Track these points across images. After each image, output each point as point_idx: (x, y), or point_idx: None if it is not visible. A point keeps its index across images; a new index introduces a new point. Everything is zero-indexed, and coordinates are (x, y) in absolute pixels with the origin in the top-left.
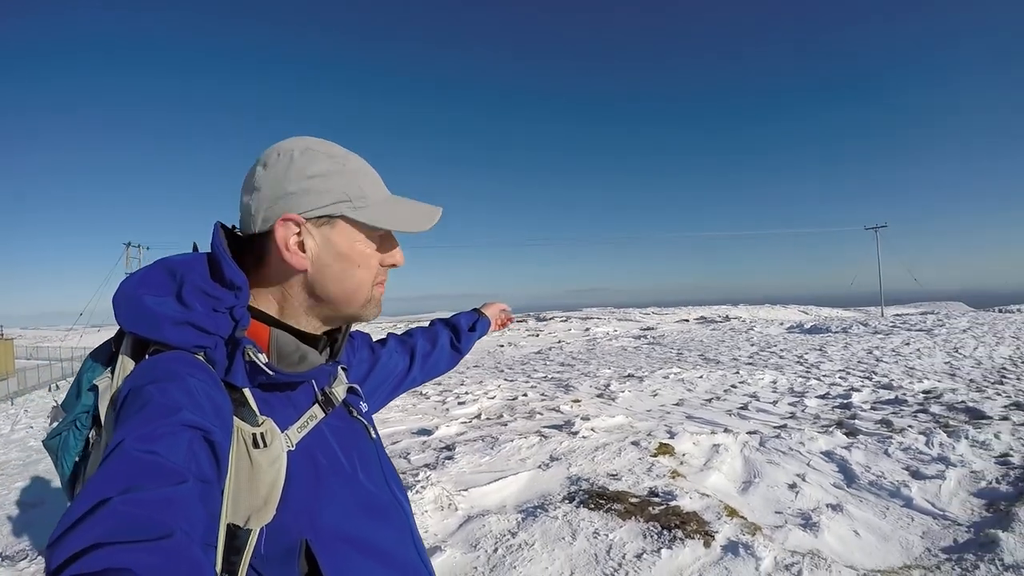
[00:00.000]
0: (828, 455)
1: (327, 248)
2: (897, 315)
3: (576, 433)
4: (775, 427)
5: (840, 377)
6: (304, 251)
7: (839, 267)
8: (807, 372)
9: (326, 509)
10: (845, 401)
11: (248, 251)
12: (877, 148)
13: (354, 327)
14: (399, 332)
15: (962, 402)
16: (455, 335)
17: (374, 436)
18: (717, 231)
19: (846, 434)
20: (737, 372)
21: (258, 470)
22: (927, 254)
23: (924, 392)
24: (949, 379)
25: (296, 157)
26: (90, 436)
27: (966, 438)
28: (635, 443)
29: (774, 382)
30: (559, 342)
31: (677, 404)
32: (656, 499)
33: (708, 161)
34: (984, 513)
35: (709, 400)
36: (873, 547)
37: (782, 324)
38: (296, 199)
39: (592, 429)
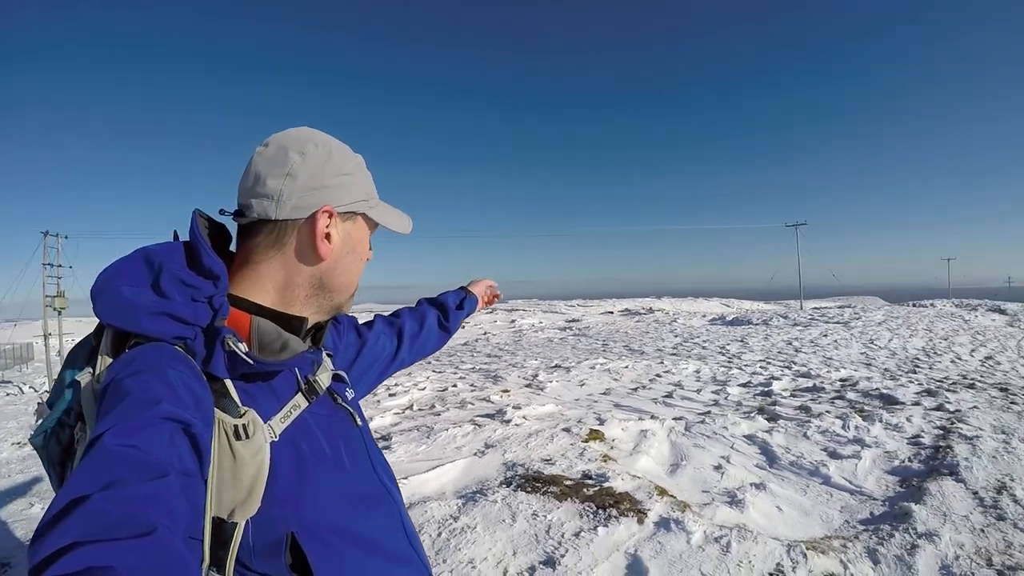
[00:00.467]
0: (750, 438)
1: (346, 241)
2: (816, 308)
3: (509, 421)
4: (699, 413)
5: (761, 367)
6: (329, 242)
7: (760, 262)
8: (729, 362)
9: (312, 500)
10: (766, 389)
11: (255, 238)
12: (799, 148)
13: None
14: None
15: (876, 389)
16: (443, 314)
17: (360, 424)
18: (642, 225)
19: (767, 419)
20: (661, 362)
21: (241, 462)
22: (845, 251)
23: (841, 380)
24: (865, 368)
25: (334, 152)
26: (75, 433)
27: (880, 421)
28: (566, 429)
29: (697, 371)
30: (485, 334)
31: (604, 393)
32: (590, 481)
33: (632, 156)
34: (898, 488)
35: (635, 389)
36: (795, 521)
37: (704, 316)
38: (332, 192)
39: (524, 417)
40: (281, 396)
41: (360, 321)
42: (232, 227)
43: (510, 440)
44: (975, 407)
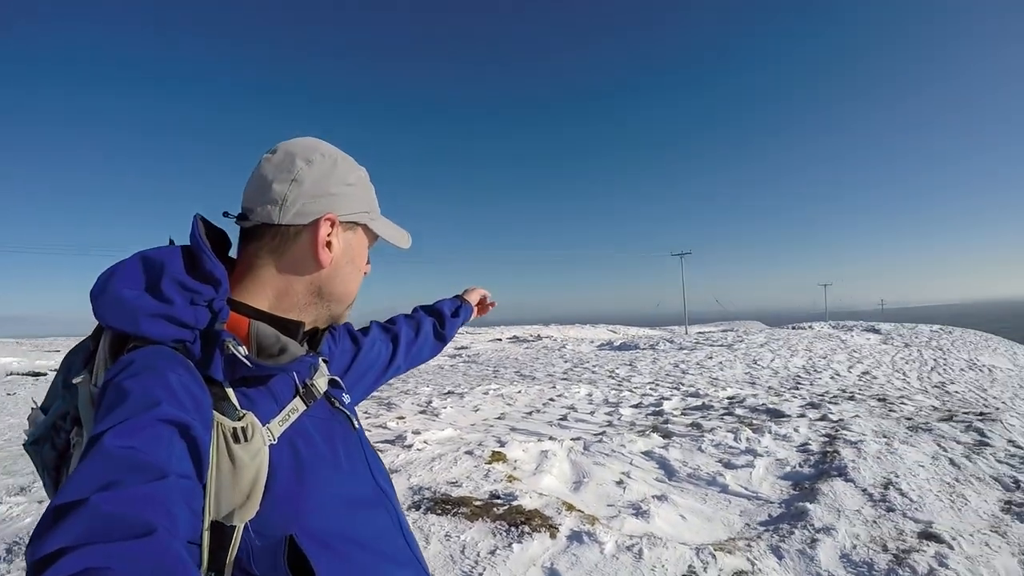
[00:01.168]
0: (648, 454)
1: (347, 251)
2: (700, 333)
3: (410, 446)
4: (595, 434)
5: (650, 388)
6: (330, 251)
7: (646, 289)
8: (619, 385)
9: (310, 503)
10: (657, 409)
11: (257, 242)
12: (684, 180)
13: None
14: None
15: (763, 405)
16: (439, 322)
17: (357, 427)
18: (530, 250)
19: (662, 436)
20: (554, 387)
21: (239, 465)
22: (728, 278)
23: (728, 398)
24: (750, 387)
25: (339, 162)
26: (71, 437)
27: (770, 433)
28: (469, 452)
29: (589, 395)
30: None
31: (499, 418)
32: (499, 501)
33: (517, 179)
34: (792, 491)
35: (530, 413)
36: (699, 527)
37: (592, 342)
38: (336, 201)
39: (425, 442)
40: (279, 400)
41: (356, 327)
42: (234, 232)
43: (414, 464)
44: (857, 416)
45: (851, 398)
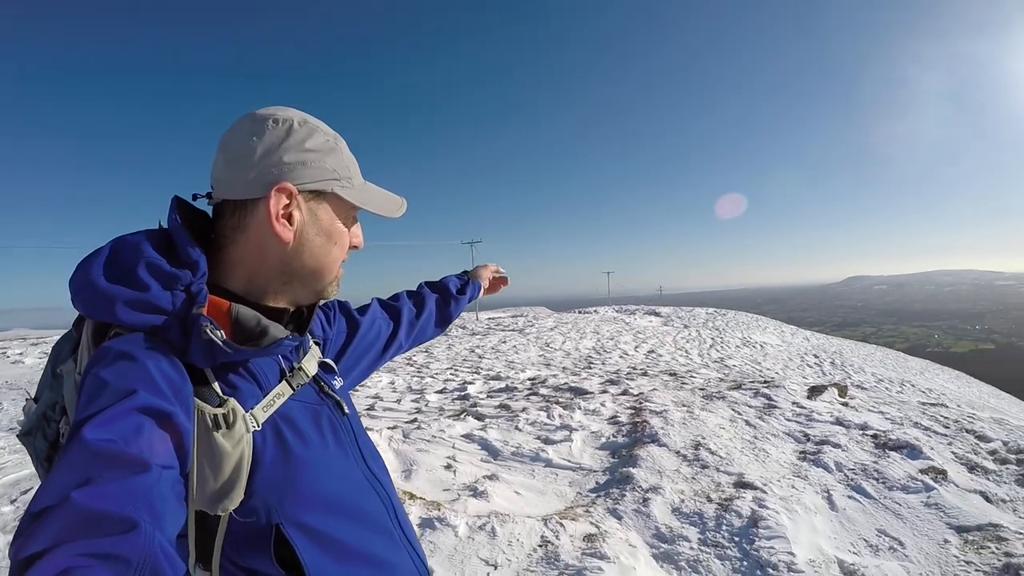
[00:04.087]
0: (468, 437)
1: (313, 223)
2: (491, 318)
3: None
4: (408, 422)
5: (451, 373)
6: (291, 224)
7: (438, 277)
8: (419, 372)
9: (297, 491)
10: (462, 393)
11: (221, 220)
12: (476, 172)
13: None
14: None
15: (565, 384)
16: (443, 299)
17: (348, 411)
18: None
19: (476, 419)
20: None
21: (223, 453)
22: (517, 265)
23: (529, 379)
24: (546, 368)
25: (296, 127)
26: (60, 427)
27: (579, 409)
28: None
29: (392, 383)
30: None
31: None
32: None
33: None
34: (612, 460)
35: None
36: (536, 501)
37: None
38: (292, 170)
39: None
40: (264, 384)
41: (354, 305)
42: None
43: None
44: (655, 389)
45: (644, 374)
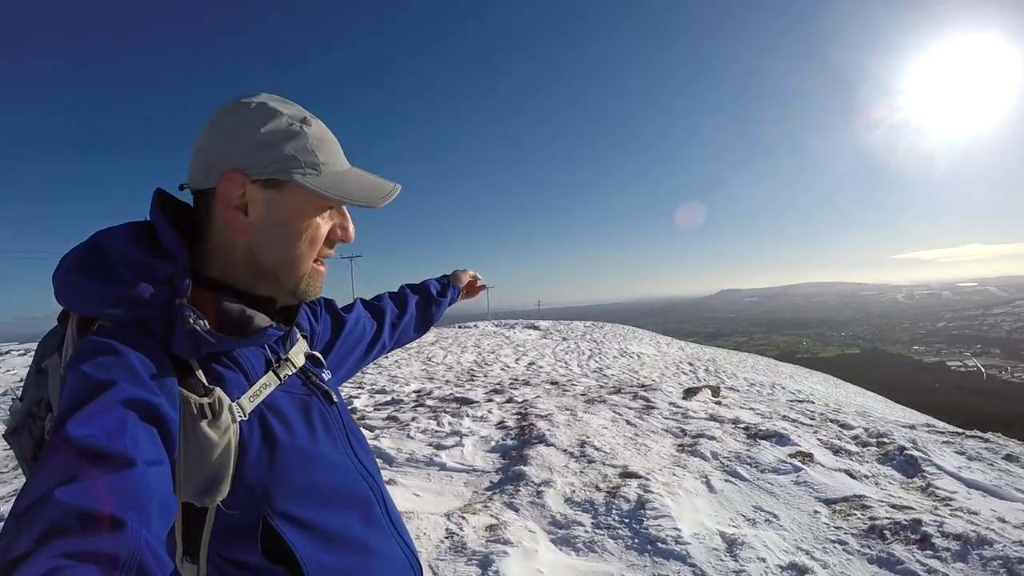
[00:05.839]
0: None
1: (270, 213)
2: None
3: None
4: None
5: None
6: (247, 214)
7: None
8: None
9: (285, 482)
10: (350, 407)
11: (196, 211)
12: None
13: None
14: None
15: (451, 394)
16: (425, 301)
17: (336, 401)
18: None
19: (367, 429)
20: None
21: (209, 443)
22: (395, 281)
23: (415, 392)
24: (429, 381)
25: (250, 112)
26: (46, 424)
27: (468, 416)
28: None
29: None
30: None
31: None
32: None
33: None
34: (503, 460)
35: None
36: (435, 501)
37: None
38: (243, 156)
39: None
40: (250, 375)
41: (339, 305)
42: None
43: None
44: (539, 396)
45: (527, 383)
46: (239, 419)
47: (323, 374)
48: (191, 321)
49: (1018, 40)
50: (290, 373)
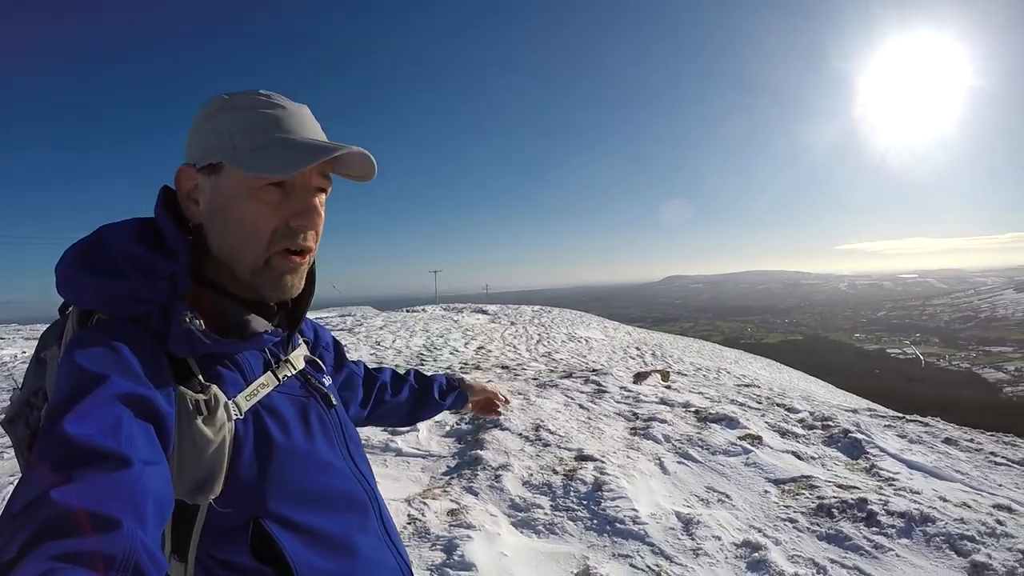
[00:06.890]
0: None
1: (212, 200)
2: (319, 318)
3: None
4: None
5: None
6: (199, 204)
7: None
8: None
9: (279, 482)
10: None
11: None
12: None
13: (313, 320)
14: None
15: None
16: (421, 398)
17: (335, 405)
18: None
19: None
20: None
21: (203, 440)
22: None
23: None
24: (378, 366)
25: (207, 108)
26: (43, 414)
27: None
28: None
29: None
30: None
31: None
32: None
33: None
34: (459, 445)
35: None
36: (393, 487)
37: None
38: (191, 147)
39: None
40: (248, 374)
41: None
42: None
43: None
44: (490, 381)
45: (477, 367)
46: (235, 417)
47: (323, 379)
48: (187, 321)
49: (967, 41)
50: (289, 375)
